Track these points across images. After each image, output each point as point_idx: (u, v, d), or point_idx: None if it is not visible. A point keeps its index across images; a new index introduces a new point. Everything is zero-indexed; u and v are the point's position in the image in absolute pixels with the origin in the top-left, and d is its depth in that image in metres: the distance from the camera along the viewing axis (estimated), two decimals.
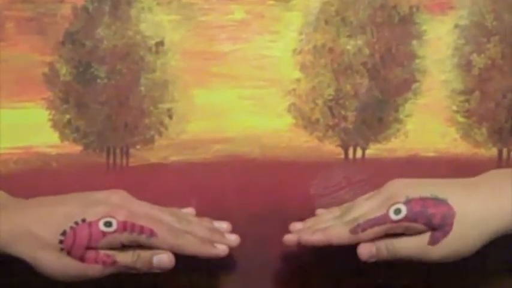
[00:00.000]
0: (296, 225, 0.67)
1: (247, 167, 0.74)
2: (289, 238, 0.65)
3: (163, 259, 0.63)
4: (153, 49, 0.74)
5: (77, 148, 0.74)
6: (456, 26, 0.75)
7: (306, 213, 0.71)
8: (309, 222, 0.67)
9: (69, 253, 0.60)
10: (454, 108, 0.75)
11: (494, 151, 0.75)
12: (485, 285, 0.68)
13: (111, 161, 0.74)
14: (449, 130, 0.75)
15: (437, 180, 0.65)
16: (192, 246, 0.63)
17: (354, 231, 0.63)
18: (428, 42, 0.75)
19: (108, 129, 0.74)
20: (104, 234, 0.61)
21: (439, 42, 0.75)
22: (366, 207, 0.64)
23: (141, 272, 0.63)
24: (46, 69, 0.74)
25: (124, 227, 0.61)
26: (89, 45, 0.73)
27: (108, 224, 0.61)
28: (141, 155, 0.74)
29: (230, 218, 0.68)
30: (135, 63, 0.74)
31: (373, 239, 0.63)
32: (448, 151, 0.75)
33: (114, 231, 0.61)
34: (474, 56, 0.75)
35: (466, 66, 0.75)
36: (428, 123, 0.75)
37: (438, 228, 0.62)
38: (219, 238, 0.65)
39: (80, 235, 0.60)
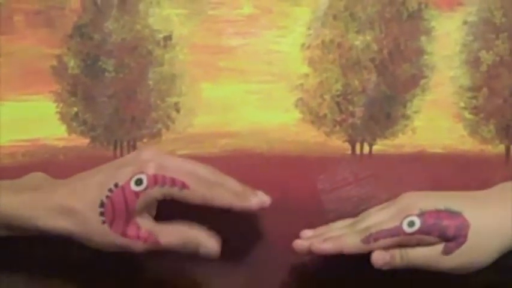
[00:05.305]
0: (307, 233, 0.67)
1: (254, 162, 0.74)
2: (300, 244, 0.65)
3: (210, 246, 0.62)
4: (161, 43, 0.74)
5: (84, 141, 0.74)
6: (465, 22, 0.75)
7: (313, 208, 0.71)
8: (320, 230, 0.67)
9: (111, 226, 0.60)
10: (462, 104, 0.75)
11: (501, 148, 0.75)
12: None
13: (118, 154, 0.74)
14: (456, 126, 0.75)
15: (451, 193, 0.65)
16: (226, 198, 0.62)
17: (366, 240, 0.62)
18: (436, 39, 0.75)
19: (116, 122, 0.74)
20: (137, 194, 0.61)
21: (448, 39, 0.75)
22: (379, 217, 0.64)
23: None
24: (54, 62, 0.74)
25: (155, 180, 0.61)
26: (97, 38, 0.74)
27: (139, 182, 0.61)
28: None
29: (235, 212, 0.67)
30: (143, 57, 0.74)
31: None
32: (455, 147, 0.75)
33: (146, 188, 0.61)
34: (482, 53, 0.75)
35: (474, 62, 0.75)
36: (436, 119, 0.75)
37: (452, 239, 0.62)
38: (251, 193, 0.64)
39: (117, 203, 0.60)
